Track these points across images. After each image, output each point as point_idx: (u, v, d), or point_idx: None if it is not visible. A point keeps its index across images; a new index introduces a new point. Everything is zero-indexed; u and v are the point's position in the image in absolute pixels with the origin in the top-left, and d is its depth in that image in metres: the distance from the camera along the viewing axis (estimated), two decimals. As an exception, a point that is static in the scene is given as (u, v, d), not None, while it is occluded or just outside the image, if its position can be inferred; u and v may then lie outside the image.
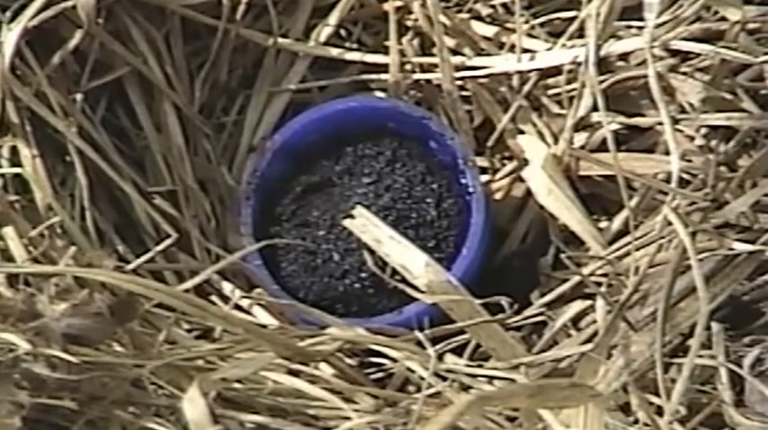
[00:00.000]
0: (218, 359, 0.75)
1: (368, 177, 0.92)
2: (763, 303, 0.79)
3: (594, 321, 0.83)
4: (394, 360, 0.80)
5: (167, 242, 0.87)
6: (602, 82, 0.87)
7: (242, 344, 0.75)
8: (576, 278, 0.86)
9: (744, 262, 0.79)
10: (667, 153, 0.84)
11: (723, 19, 0.88)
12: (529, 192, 0.93)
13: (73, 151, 0.89)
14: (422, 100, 0.98)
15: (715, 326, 0.77)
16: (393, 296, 0.88)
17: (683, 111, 0.89)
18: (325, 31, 0.98)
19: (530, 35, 0.95)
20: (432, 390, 0.74)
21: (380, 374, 0.82)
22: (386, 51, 0.97)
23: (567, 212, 0.90)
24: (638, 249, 0.81)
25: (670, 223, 0.78)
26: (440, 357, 0.79)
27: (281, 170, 0.95)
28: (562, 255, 0.85)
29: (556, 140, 0.93)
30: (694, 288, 0.75)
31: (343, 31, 1.00)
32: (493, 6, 0.98)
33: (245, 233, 0.93)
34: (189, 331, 0.83)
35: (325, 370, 0.79)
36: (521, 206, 0.95)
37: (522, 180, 0.93)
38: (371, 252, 0.87)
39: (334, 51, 0.98)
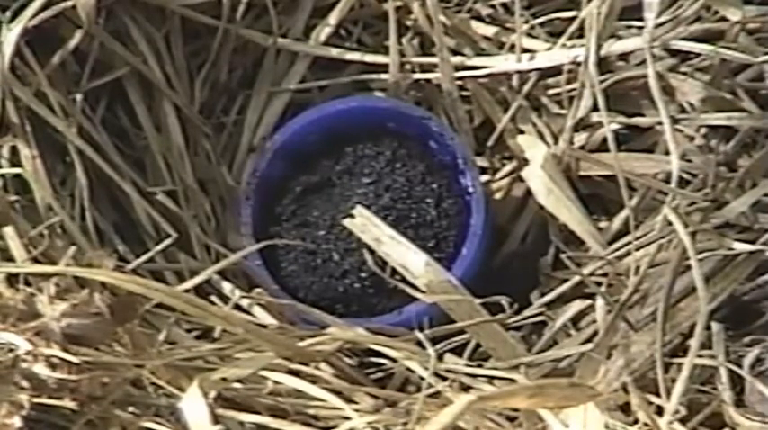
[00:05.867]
0: (218, 359, 0.75)
1: (368, 177, 0.92)
2: (763, 303, 0.79)
3: (594, 321, 0.83)
4: (394, 360, 0.80)
5: (167, 242, 0.87)
6: (602, 82, 0.87)
7: (242, 344, 0.75)
8: (576, 278, 0.86)
9: (744, 262, 0.79)
10: (667, 153, 0.84)
11: (723, 19, 0.88)
12: (529, 192, 0.93)
13: (73, 151, 0.89)
14: (422, 100, 0.98)
15: (715, 326, 0.77)
16: (393, 296, 0.88)
17: (683, 111, 0.89)
18: (325, 31, 0.98)
19: (530, 35, 0.95)
20: (432, 390, 0.74)
21: (380, 374, 0.82)
22: (386, 51, 0.96)
23: (567, 212, 0.90)
24: (638, 249, 0.81)
25: (670, 223, 0.78)
26: (440, 357, 0.79)
27: (281, 170, 0.94)
28: (562, 255, 0.85)
29: (556, 140, 0.93)
30: (694, 288, 0.75)
31: (343, 31, 1.00)
32: (493, 6, 0.98)
33: (245, 233, 0.93)
34: (189, 331, 0.83)
35: (326, 370, 0.79)
36: (521, 206, 0.95)
37: (522, 180, 0.93)
38: (371, 252, 0.87)
39: (334, 51, 0.98)
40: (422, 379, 0.75)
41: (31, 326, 0.67)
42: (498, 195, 0.95)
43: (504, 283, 0.90)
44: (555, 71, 0.93)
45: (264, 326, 0.82)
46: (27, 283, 0.72)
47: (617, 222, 0.90)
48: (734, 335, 0.78)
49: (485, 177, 0.95)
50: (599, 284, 0.83)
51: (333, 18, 0.98)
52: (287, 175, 0.94)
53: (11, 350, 0.67)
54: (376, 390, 0.78)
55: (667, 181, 0.83)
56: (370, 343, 0.80)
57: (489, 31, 0.97)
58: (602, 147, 0.90)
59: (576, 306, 0.85)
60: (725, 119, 0.87)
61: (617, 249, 0.86)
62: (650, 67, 0.83)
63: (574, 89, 0.91)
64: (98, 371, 0.68)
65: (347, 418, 0.73)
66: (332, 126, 0.94)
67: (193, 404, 0.68)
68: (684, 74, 0.89)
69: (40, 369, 0.67)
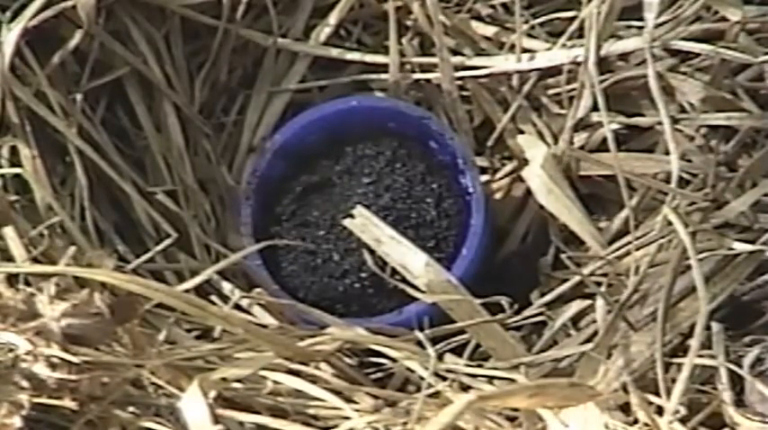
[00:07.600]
0: (218, 359, 0.75)
1: (368, 177, 0.92)
2: (763, 303, 0.79)
3: (594, 321, 0.83)
4: (394, 360, 0.80)
5: (167, 242, 0.87)
6: (602, 82, 0.87)
7: (242, 344, 0.75)
8: (576, 278, 0.86)
9: (744, 262, 0.79)
10: (667, 153, 0.84)
11: (723, 19, 0.88)
12: (529, 192, 0.93)
13: (73, 151, 0.89)
14: (422, 100, 0.98)
15: (715, 326, 0.77)
16: (393, 296, 0.88)
17: (683, 111, 0.89)
18: (325, 31, 0.98)
19: (530, 35, 0.95)
20: (432, 390, 0.74)
21: (380, 374, 0.82)
22: (386, 51, 0.96)
23: (567, 212, 0.90)
24: (638, 249, 0.81)
25: (670, 223, 0.78)
26: (440, 357, 0.79)
27: (281, 170, 0.95)
28: (562, 255, 0.85)
29: (556, 140, 0.93)
30: (694, 288, 0.75)
31: (343, 31, 1.00)
32: (493, 6, 0.98)
33: (245, 233, 0.93)
34: (189, 331, 0.83)
35: (326, 370, 0.79)
36: (521, 206, 0.95)
37: (522, 180, 0.93)
38: (371, 252, 0.87)
39: (334, 51, 0.98)
40: (422, 379, 0.75)
41: (31, 326, 0.67)
42: (498, 195, 0.95)
43: (504, 283, 0.90)
44: (555, 71, 0.93)
45: (264, 326, 0.82)
46: (27, 283, 0.72)
47: (617, 222, 0.90)
48: (734, 335, 0.78)
49: (485, 177, 0.95)
50: (599, 284, 0.83)
51: (333, 18, 0.98)
52: (287, 175, 0.94)
53: (11, 350, 0.67)
54: (376, 390, 0.78)
55: (667, 181, 0.83)
56: (370, 343, 0.80)
57: (489, 31, 0.97)
58: (602, 147, 0.90)
59: (576, 306, 0.85)
60: (725, 119, 0.87)
61: (617, 249, 0.86)
62: (650, 67, 0.83)
63: (574, 89, 0.91)
64: (98, 371, 0.68)
65: (347, 418, 0.73)
66: (332, 126, 0.94)
67: (193, 404, 0.68)
68: (684, 74, 0.89)
69: (40, 369, 0.67)
